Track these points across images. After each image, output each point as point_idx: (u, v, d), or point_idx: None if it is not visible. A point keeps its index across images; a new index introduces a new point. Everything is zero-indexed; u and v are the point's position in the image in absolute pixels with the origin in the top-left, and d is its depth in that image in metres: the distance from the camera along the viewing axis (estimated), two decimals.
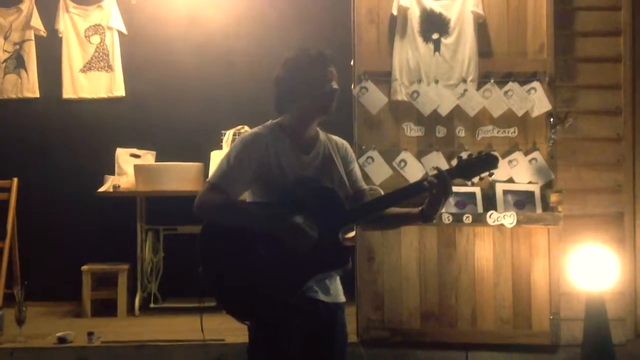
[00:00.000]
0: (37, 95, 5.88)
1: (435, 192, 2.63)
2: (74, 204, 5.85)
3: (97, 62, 5.94)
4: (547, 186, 4.50)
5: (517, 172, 4.49)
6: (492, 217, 4.37)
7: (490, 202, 4.46)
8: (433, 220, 2.73)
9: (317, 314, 2.69)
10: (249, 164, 2.64)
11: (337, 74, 2.72)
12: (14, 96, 5.86)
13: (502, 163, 4.49)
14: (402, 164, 4.47)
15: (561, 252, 4.47)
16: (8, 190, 5.67)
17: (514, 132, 4.53)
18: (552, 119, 4.49)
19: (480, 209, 4.45)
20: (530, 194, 4.48)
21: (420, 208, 2.71)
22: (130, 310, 5.46)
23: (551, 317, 4.45)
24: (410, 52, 4.50)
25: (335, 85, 2.69)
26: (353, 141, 4.53)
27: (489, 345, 4.47)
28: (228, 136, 5.69)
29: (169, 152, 5.84)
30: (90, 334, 4.47)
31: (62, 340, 4.44)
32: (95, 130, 5.99)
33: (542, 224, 4.42)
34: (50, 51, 5.91)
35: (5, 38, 5.87)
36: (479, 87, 4.50)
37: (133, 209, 5.53)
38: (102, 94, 5.94)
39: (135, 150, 5.86)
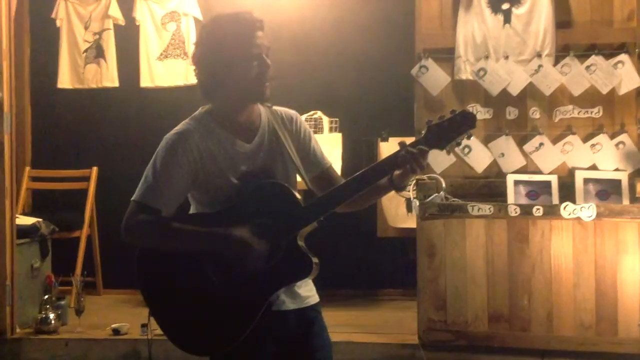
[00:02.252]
0: (117, 84, 5.88)
1: (408, 168, 2.21)
2: None
3: (174, 49, 5.87)
4: (637, 174, 3.93)
5: (601, 157, 3.97)
6: (567, 210, 3.86)
7: (568, 192, 3.96)
8: (406, 189, 2.36)
9: (287, 328, 2.30)
10: (180, 171, 2.22)
11: (268, 40, 2.26)
12: (94, 86, 5.89)
13: (584, 148, 3.99)
14: (467, 150, 4.05)
15: None
16: (88, 179, 5.73)
17: (598, 112, 3.99)
18: None
19: (555, 200, 3.95)
20: (616, 182, 3.93)
21: (387, 177, 2.25)
22: None
23: None
24: (476, 25, 4.07)
25: (265, 60, 2.23)
26: (413, 127, 4.17)
27: (567, 353, 3.97)
28: None
29: None
30: (143, 326, 4.38)
31: (116, 332, 4.39)
32: (172, 119, 5.89)
33: (628, 217, 3.85)
34: (128, 40, 5.89)
35: (86, 28, 5.91)
36: (556, 62, 4.01)
37: None
38: (179, 81, 5.86)
39: None
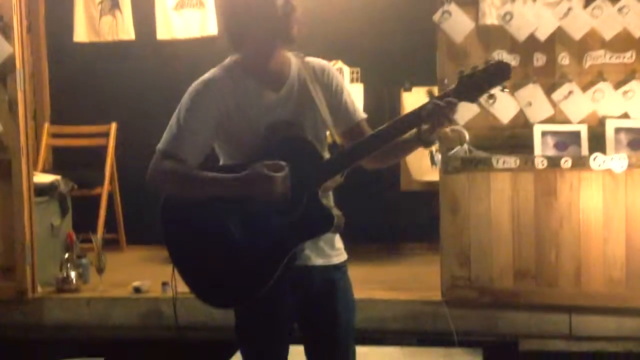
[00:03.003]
0: (133, 37, 5.72)
1: (435, 121, 2.16)
2: None
3: None
4: None
5: (633, 105, 3.75)
6: (597, 161, 3.67)
7: (598, 143, 3.76)
8: (434, 144, 2.27)
9: (312, 283, 2.29)
10: (205, 120, 2.20)
11: None
12: (110, 39, 5.75)
13: (616, 95, 3.77)
14: (492, 100, 3.85)
15: None
16: (107, 135, 5.65)
17: (631, 56, 3.77)
18: None
19: (585, 151, 3.76)
20: None
21: (416, 131, 2.20)
22: None
23: None
24: None
25: (290, 2, 2.18)
26: (436, 76, 3.99)
27: (596, 309, 3.83)
28: None
29: None
30: (164, 284, 4.33)
31: (137, 290, 4.35)
32: (190, 71, 5.73)
33: None
34: None
35: None
36: (586, 4, 3.76)
37: None
38: (196, 32, 5.70)
39: None
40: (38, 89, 5.90)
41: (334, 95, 2.30)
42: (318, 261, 2.28)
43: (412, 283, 4.43)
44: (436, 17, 3.90)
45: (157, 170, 2.22)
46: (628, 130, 3.73)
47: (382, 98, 5.43)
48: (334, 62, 5.32)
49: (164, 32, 5.72)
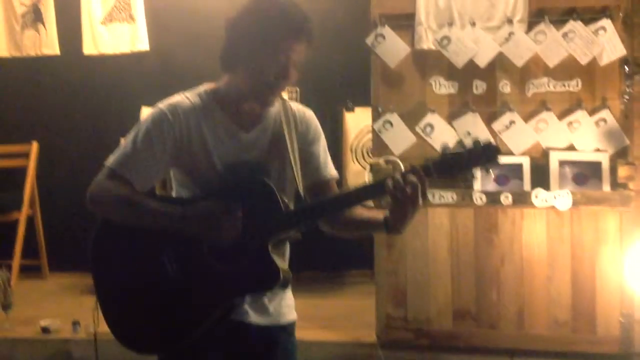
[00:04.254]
0: (57, 51, 5.39)
1: (400, 197, 1.91)
2: (98, 167, 5.39)
3: (119, 12, 5.37)
4: (620, 155, 3.52)
5: (579, 136, 3.55)
6: (540, 197, 3.45)
7: (541, 177, 3.55)
8: (401, 233, 2.01)
9: (247, 343, 2.07)
10: (163, 146, 2.01)
11: (305, 55, 2.02)
12: (33, 54, 5.41)
13: (560, 126, 3.56)
14: (429, 129, 3.61)
15: (636, 239, 3.49)
16: (27, 155, 5.28)
17: (577, 85, 3.56)
18: (627, 68, 3.47)
19: (527, 185, 3.53)
20: (596, 165, 3.51)
21: (383, 216, 2.02)
22: None
23: (622, 319, 3.53)
24: None
25: (288, 72, 1.99)
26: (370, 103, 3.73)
27: (540, 352, 3.62)
28: None
29: None
30: (75, 323, 3.99)
31: (45, 330, 4.00)
32: (119, 88, 5.48)
33: (607, 205, 3.45)
34: (68, 3, 5.39)
35: None
36: (529, 29, 3.56)
37: None
38: (125, 48, 5.37)
39: None
40: None
41: (307, 145, 2.14)
42: (257, 320, 2.07)
43: (350, 318, 4.20)
44: (369, 40, 3.65)
45: (100, 188, 2.02)
46: (573, 163, 3.52)
47: (323, 119, 5.12)
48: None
49: (90, 46, 5.43)
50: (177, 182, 2.12)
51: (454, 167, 1.94)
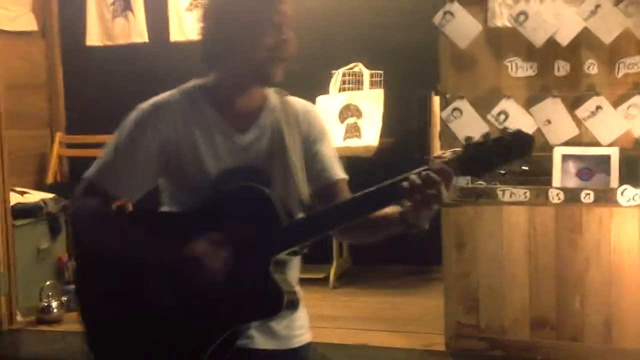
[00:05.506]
0: (146, 39, 5.41)
1: (419, 198, 1.64)
2: None
3: None
4: None
5: None
6: (626, 195, 3.01)
7: (633, 171, 3.11)
8: (424, 229, 1.71)
9: None
10: (148, 150, 1.80)
11: (294, 8, 1.81)
12: (123, 41, 5.45)
13: None
14: (502, 117, 3.25)
15: None
16: None
17: None
18: None
19: (614, 181, 3.10)
20: None
21: (398, 212, 1.73)
22: None
23: None
24: None
25: (283, 32, 1.79)
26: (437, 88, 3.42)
27: None
28: (337, 77, 4.80)
29: None
30: None
31: None
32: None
33: None
34: None
35: None
36: (618, 1, 3.10)
37: None
38: None
39: None
40: (53, 95, 5.64)
41: (310, 145, 1.90)
42: (265, 345, 1.85)
43: (422, 322, 3.90)
44: (436, 19, 3.32)
45: (78, 205, 1.84)
46: None
47: (407, 104, 4.84)
48: (352, 64, 4.82)
49: (177, 33, 5.40)
50: (168, 194, 1.92)
51: (480, 162, 1.64)
